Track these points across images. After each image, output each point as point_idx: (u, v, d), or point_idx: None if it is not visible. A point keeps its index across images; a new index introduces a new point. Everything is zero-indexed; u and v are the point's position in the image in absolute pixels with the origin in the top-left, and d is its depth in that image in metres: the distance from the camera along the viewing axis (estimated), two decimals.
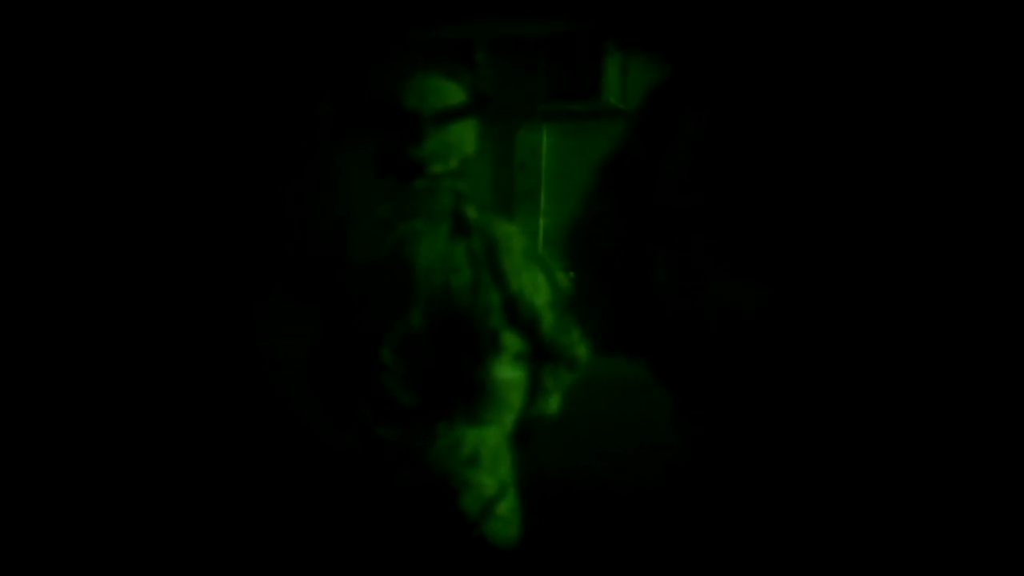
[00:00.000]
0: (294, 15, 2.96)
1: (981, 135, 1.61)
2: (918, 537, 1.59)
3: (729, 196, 1.69)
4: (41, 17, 2.76)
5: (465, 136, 1.71)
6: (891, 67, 1.65)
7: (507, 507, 1.72)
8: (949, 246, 1.64)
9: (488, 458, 1.69)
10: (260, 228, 3.02)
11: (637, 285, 1.83)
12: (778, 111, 1.72)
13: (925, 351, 1.62)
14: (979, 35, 1.56)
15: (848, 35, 1.67)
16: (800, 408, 1.74)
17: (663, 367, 1.95)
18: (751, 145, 1.67)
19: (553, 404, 1.81)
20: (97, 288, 2.87)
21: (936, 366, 1.61)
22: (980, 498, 1.53)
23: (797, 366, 1.69)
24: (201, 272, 2.99)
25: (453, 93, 1.70)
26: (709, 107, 1.73)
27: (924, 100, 1.66)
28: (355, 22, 3.03)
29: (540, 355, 1.73)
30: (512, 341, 1.67)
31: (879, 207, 1.68)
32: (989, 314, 1.57)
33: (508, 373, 1.67)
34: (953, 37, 1.61)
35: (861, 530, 1.64)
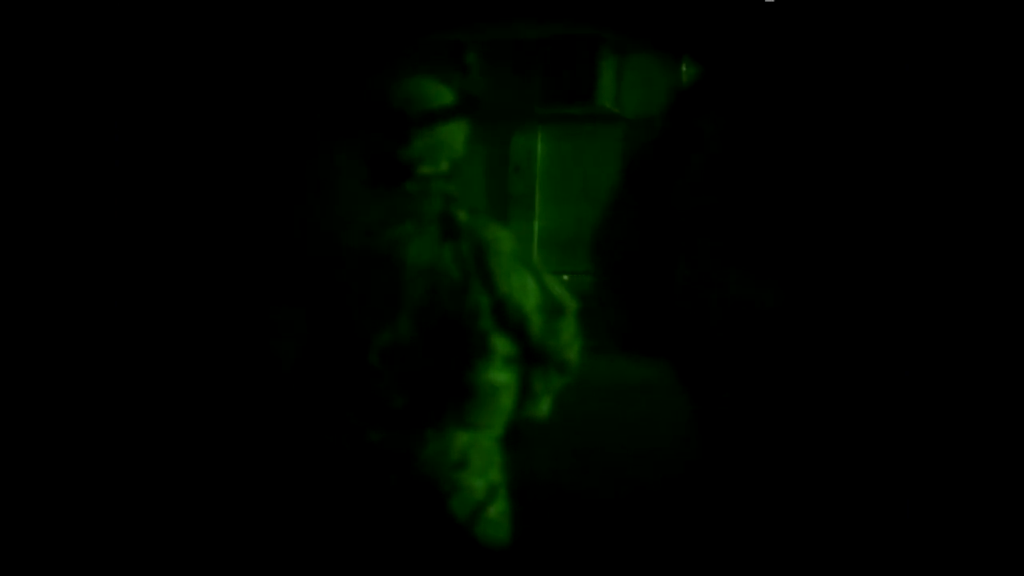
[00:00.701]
0: (297, 19, 2.96)
1: (982, 142, 1.62)
2: (927, 535, 1.60)
3: (743, 198, 1.72)
4: (41, 17, 2.76)
5: (454, 138, 1.71)
6: (895, 77, 1.66)
7: (497, 510, 1.72)
8: (954, 248, 1.65)
9: (478, 461, 1.69)
10: (259, 229, 3.02)
11: (658, 283, 1.84)
12: (788, 120, 1.74)
13: (932, 350, 1.63)
14: (978, 49, 1.57)
15: (856, 49, 1.69)
16: (810, 404, 1.75)
17: (682, 363, 1.96)
18: (763, 151, 1.70)
19: (543, 408, 1.81)
20: (95, 288, 2.87)
21: (942, 365, 1.62)
22: (987, 497, 1.53)
23: (809, 362, 1.71)
24: (200, 273, 2.99)
25: (441, 95, 1.70)
26: (725, 116, 1.75)
27: (925, 109, 1.68)
28: (361, 27, 3.04)
29: (530, 359, 1.73)
30: (502, 344, 1.67)
31: (881, 212, 1.70)
32: (992, 313, 1.59)
33: (498, 376, 1.67)
34: (957, 52, 1.62)
35: (867, 527, 1.65)
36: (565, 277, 7.43)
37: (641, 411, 4.83)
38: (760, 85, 1.79)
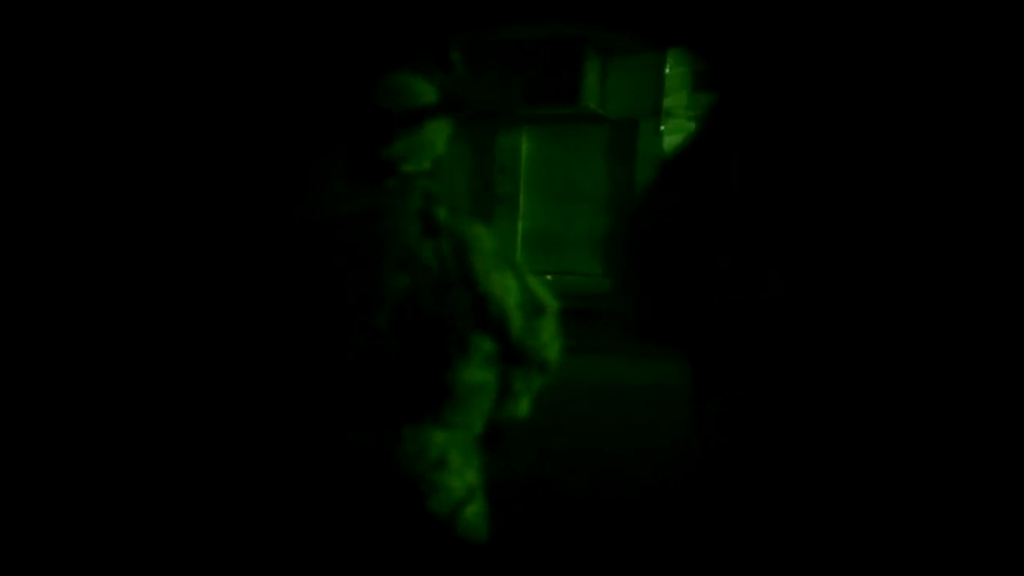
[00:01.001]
0: (304, 22, 2.95)
1: (1001, 152, 1.64)
2: (927, 535, 1.61)
3: (777, 199, 1.74)
4: (41, 17, 2.74)
5: (437, 137, 1.70)
6: (903, 89, 1.68)
7: (474, 511, 1.71)
8: (965, 247, 1.67)
9: (456, 461, 1.68)
10: (258, 228, 3.01)
11: (693, 273, 1.85)
12: (815, 131, 1.77)
13: (950, 348, 1.65)
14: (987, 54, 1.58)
15: (877, 64, 1.70)
16: (829, 404, 1.76)
17: (702, 356, 1.97)
18: (793, 158, 1.72)
19: (523, 407, 1.80)
20: (93, 286, 2.85)
21: (948, 371, 1.63)
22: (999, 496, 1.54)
23: (829, 361, 1.72)
24: (198, 271, 2.98)
25: (424, 93, 1.69)
26: (760, 122, 1.77)
27: (927, 119, 1.70)
28: (371, 29, 3.03)
29: (510, 358, 1.72)
30: (481, 343, 1.66)
31: (895, 222, 1.72)
32: (998, 316, 1.60)
33: (477, 376, 1.66)
34: (976, 74, 1.64)
35: (866, 528, 1.65)
36: (548, 277, 7.44)
37: (639, 412, 4.85)
38: (790, 101, 1.82)
